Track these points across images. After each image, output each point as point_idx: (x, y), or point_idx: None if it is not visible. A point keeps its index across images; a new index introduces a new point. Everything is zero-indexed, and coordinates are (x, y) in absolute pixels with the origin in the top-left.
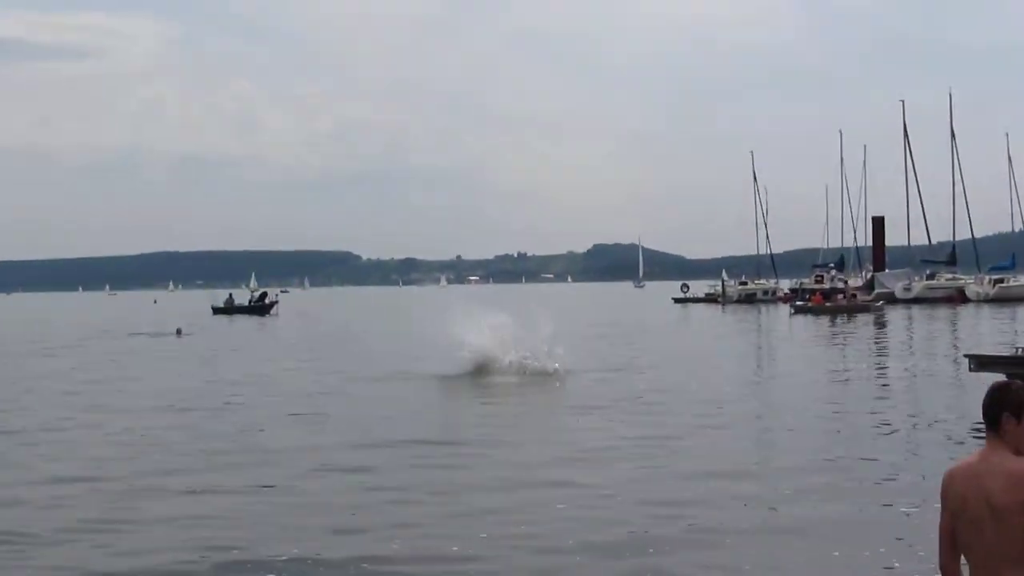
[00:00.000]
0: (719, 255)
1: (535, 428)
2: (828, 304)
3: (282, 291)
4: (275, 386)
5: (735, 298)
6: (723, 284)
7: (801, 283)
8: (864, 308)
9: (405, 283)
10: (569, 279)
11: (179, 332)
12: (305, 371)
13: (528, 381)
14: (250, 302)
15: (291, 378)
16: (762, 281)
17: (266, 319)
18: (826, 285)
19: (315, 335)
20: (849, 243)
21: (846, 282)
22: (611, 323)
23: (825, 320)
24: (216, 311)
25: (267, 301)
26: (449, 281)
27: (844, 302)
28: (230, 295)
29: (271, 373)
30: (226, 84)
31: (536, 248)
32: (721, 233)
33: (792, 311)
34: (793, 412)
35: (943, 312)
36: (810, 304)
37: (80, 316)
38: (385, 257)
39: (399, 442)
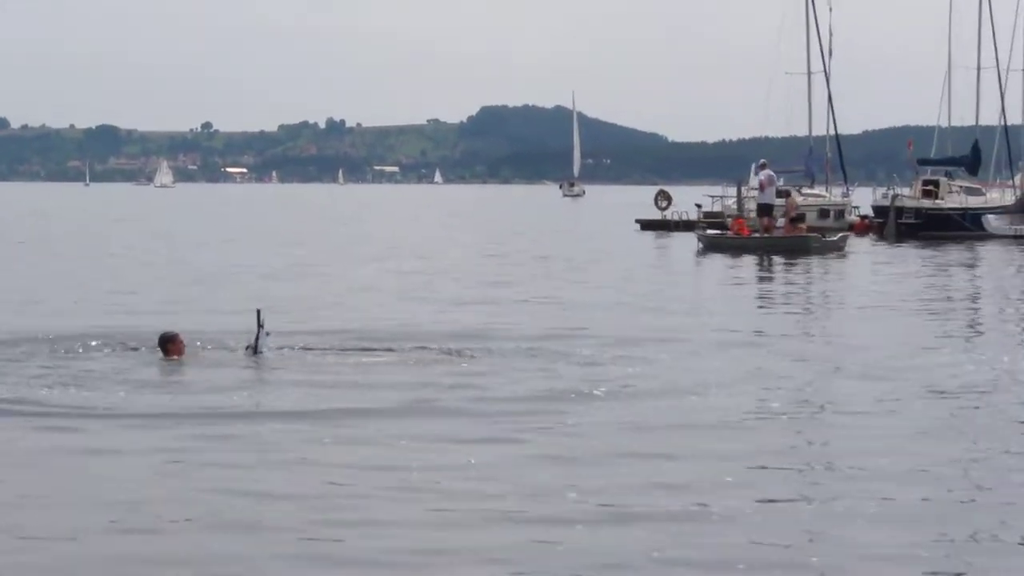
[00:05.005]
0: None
1: None
2: (757, 236)
3: None
4: None
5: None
6: (739, 193)
7: (895, 194)
8: (801, 244)
9: (98, 177)
10: (437, 176)
11: None
12: None
13: None
14: None
15: None
16: (818, 191)
17: None
18: (942, 200)
19: None
20: (991, 120)
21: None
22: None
23: (750, 265)
24: None
25: None
26: (187, 173)
27: (792, 230)
28: None
29: None
30: None
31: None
32: (735, 94)
33: (700, 246)
34: None
35: None
36: (727, 236)
37: None
38: (59, 124)
39: None
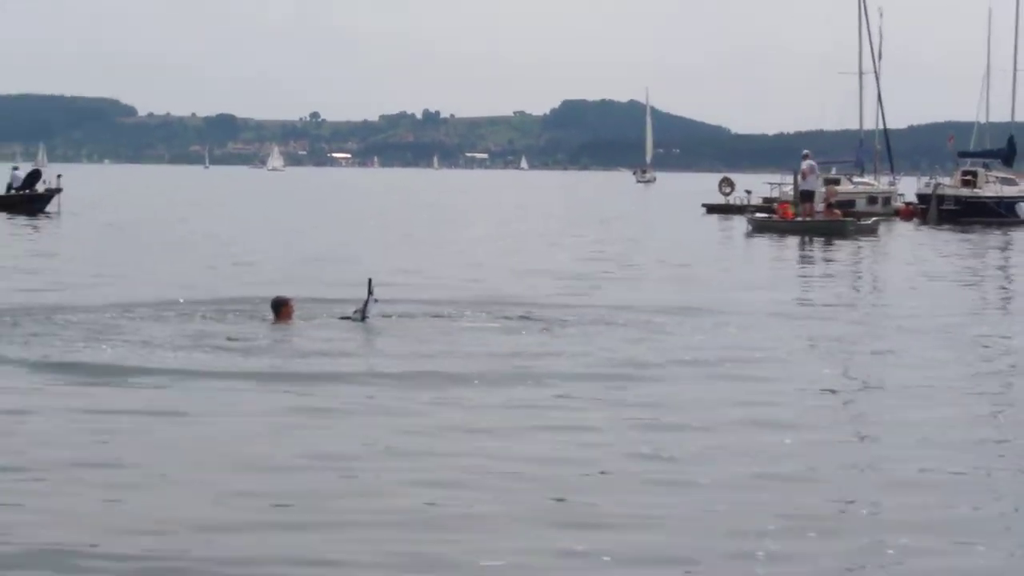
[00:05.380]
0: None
1: None
2: (804, 217)
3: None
4: None
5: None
6: (795, 181)
7: (937, 184)
8: (838, 227)
9: (216, 160)
10: (523, 162)
11: None
12: None
13: None
14: (10, 188)
15: None
16: (867, 179)
17: (40, 220)
18: (979, 189)
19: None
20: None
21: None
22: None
23: (793, 245)
24: None
25: (41, 189)
26: (297, 158)
27: (830, 215)
28: None
29: None
30: None
31: (460, 107)
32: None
33: (749, 228)
34: None
35: None
36: (773, 219)
37: None
38: (180, 112)
39: None
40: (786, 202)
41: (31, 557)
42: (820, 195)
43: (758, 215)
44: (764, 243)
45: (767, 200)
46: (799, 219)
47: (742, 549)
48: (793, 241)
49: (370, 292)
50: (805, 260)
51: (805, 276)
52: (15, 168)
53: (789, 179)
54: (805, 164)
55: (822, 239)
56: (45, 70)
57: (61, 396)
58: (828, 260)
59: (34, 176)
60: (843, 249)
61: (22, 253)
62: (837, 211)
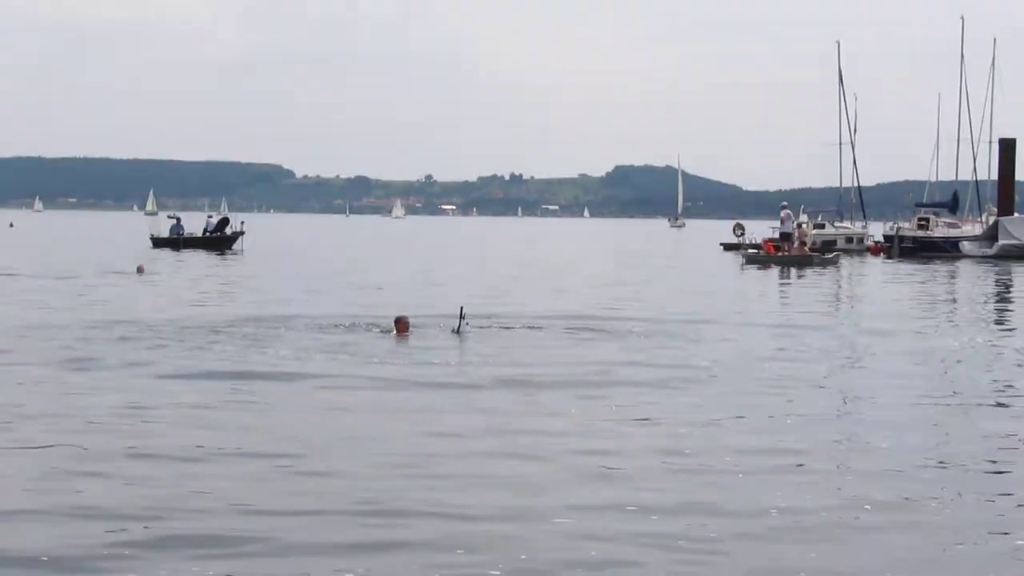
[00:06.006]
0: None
1: None
2: (783, 253)
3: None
4: None
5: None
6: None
7: (898, 227)
8: (825, 261)
9: (354, 211)
10: (585, 212)
11: (140, 270)
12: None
13: None
14: (206, 231)
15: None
16: (845, 224)
17: (227, 256)
18: (931, 231)
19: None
20: (966, 175)
21: (956, 226)
22: (614, 280)
23: (780, 273)
24: (158, 243)
25: (228, 231)
26: (415, 209)
27: (802, 251)
28: (177, 220)
29: None
30: None
31: (538, 170)
32: (790, 156)
33: (743, 261)
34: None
35: None
36: (760, 254)
37: None
38: (327, 175)
39: None
40: (770, 241)
41: (213, 538)
42: (796, 235)
43: (749, 251)
44: (753, 271)
45: (768, 240)
46: (779, 254)
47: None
48: (775, 271)
49: (462, 316)
50: (783, 283)
51: (783, 294)
52: (209, 216)
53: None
54: (783, 213)
55: (795, 268)
56: (227, 141)
57: (234, 393)
58: (798, 281)
59: (223, 222)
60: (808, 275)
61: (218, 281)
62: (806, 248)
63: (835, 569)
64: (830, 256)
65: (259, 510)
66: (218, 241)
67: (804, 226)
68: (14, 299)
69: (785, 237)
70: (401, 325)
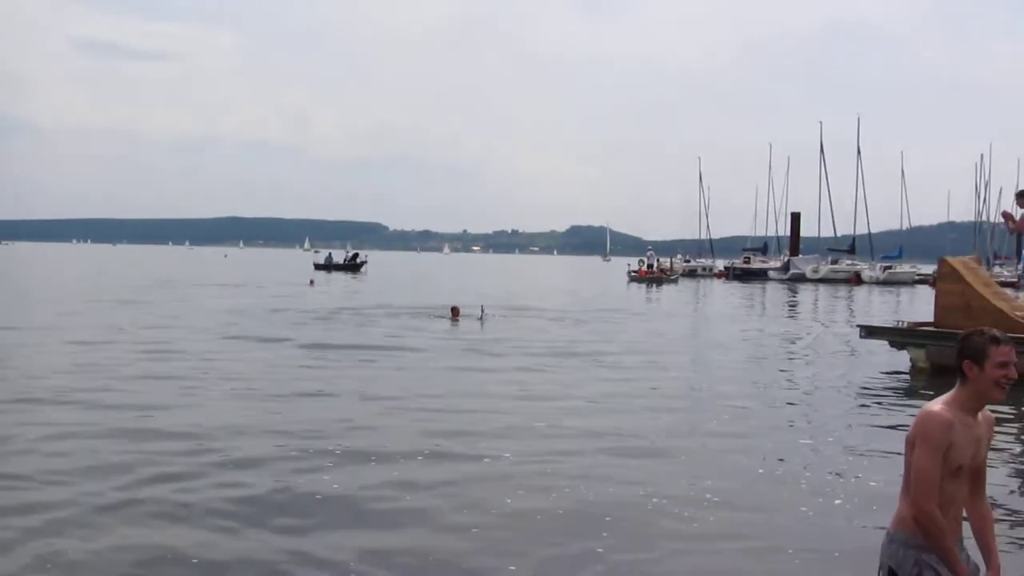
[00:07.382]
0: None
1: None
2: (650, 275)
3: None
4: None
5: (678, 273)
6: (656, 260)
7: (732, 263)
8: (671, 280)
9: (422, 250)
10: (555, 252)
11: (312, 283)
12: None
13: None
14: (345, 260)
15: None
16: (702, 260)
17: (358, 276)
18: (749, 264)
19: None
20: (772, 232)
21: (765, 263)
22: (570, 292)
23: (652, 285)
24: (317, 267)
25: (359, 260)
26: (456, 250)
27: (659, 274)
28: (330, 254)
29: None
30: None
31: (526, 226)
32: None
33: (628, 279)
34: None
35: (843, 291)
36: (638, 275)
37: (198, 270)
38: (407, 228)
39: None
40: (642, 268)
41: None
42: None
43: (631, 273)
44: (634, 286)
45: (640, 268)
46: (646, 275)
47: None
48: (642, 285)
49: (483, 311)
50: (649, 291)
51: (648, 298)
52: (347, 251)
53: (661, 259)
54: (648, 252)
55: (655, 284)
56: (352, 205)
57: (347, 365)
58: (657, 291)
59: (355, 256)
60: (664, 289)
61: (349, 289)
62: (663, 271)
63: None
64: (673, 277)
65: (385, 432)
66: (353, 266)
67: (671, 261)
68: (235, 297)
69: (650, 267)
70: (454, 312)
